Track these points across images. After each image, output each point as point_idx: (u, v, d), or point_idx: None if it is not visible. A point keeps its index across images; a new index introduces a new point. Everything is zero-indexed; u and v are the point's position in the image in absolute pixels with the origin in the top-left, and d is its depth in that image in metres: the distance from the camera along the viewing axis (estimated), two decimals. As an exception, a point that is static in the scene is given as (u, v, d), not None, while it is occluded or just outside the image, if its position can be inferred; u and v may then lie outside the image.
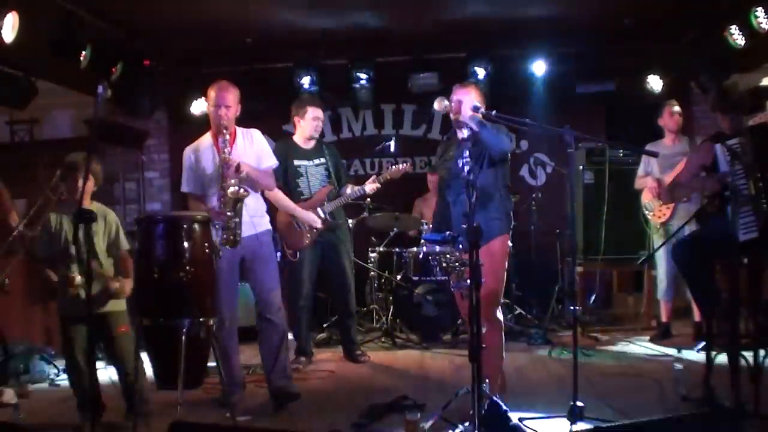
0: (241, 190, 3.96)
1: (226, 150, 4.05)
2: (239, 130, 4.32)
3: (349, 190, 5.38)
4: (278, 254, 4.37)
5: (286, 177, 5.23)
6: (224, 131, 4.07)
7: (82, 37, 5.39)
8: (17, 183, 7.22)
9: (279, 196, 5.13)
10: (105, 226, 3.97)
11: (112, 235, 4.00)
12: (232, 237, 3.98)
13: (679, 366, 3.99)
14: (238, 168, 4.01)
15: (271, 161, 4.40)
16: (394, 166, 5.60)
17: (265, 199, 4.56)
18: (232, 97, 4.18)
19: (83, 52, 5.41)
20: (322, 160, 5.37)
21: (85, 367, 3.83)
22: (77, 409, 3.90)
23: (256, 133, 4.39)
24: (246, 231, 4.16)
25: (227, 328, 4.25)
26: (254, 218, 4.27)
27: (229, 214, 3.94)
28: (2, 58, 5.19)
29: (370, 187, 5.43)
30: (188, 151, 4.33)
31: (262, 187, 4.39)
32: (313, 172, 5.33)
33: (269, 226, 4.41)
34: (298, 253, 5.26)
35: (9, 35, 4.69)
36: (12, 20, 4.69)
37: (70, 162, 3.90)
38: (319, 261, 5.36)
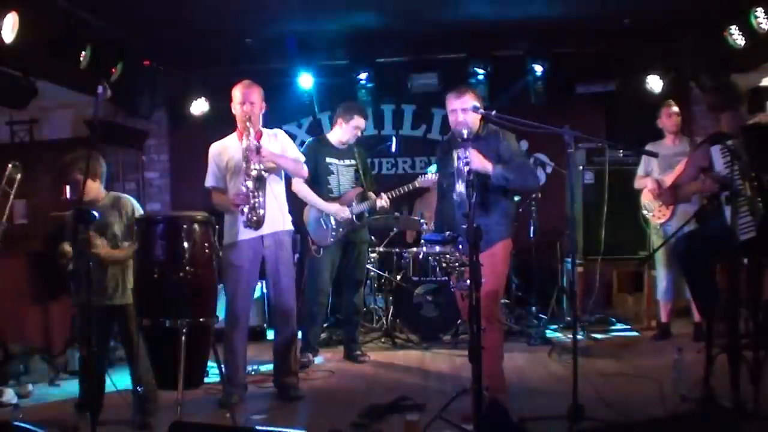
0: (263, 171, 4.13)
1: (249, 138, 4.17)
2: (264, 131, 4.46)
3: (384, 201, 5.40)
4: (296, 256, 4.41)
5: (317, 174, 5.24)
6: (248, 125, 4.20)
7: (82, 37, 5.39)
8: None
9: (306, 190, 5.19)
10: (120, 212, 3.97)
11: (130, 218, 3.97)
12: (255, 218, 4.13)
13: (677, 357, 3.98)
14: (258, 150, 4.14)
15: (297, 155, 4.54)
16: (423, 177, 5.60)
17: (292, 197, 4.62)
18: (257, 94, 4.35)
19: (83, 52, 5.41)
20: (353, 161, 5.41)
21: (93, 363, 3.80)
22: (75, 407, 3.88)
23: (280, 132, 4.56)
24: (268, 228, 4.26)
25: (239, 327, 4.31)
26: (276, 215, 4.34)
27: (252, 192, 4.10)
28: (2, 58, 5.19)
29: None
30: (214, 147, 4.45)
31: (292, 172, 4.52)
32: (343, 171, 5.37)
33: (291, 227, 4.48)
34: (321, 249, 5.28)
35: (9, 35, 4.69)
36: (12, 20, 4.69)
37: (63, 164, 3.92)
38: (339, 260, 5.40)
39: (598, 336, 6.00)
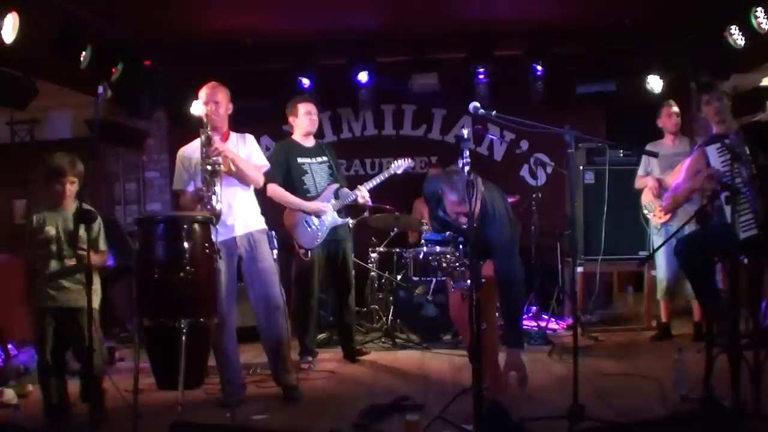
0: (217, 165, 4.06)
1: (205, 132, 4.13)
2: (233, 134, 4.41)
3: (364, 193, 5.35)
4: (274, 252, 4.37)
5: (290, 175, 5.20)
6: (205, 122, 4.15)
7: (82, 37, 5.40)
8: (17, 183, 7.24)
9: (281, 192, 5.14)
10: (88, 227, 3.87)
11: (92, 238, 3.90)
12: (211, 211, 4.01)
13: (677, 357, 3.98)
14: (210, 141, 4.09)
15: (261, 161, 4.46)
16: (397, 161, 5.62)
17: (268, 199, 4.58)
18: (222, 95, 4.31)
19: (83, 52, 5.42)
20: (325, 158, 5.38)
21: (53, 366, 3.78)
22: (43, 414, 3.81)
23: (248, 137, 4.49)
24: (240, 230, 4.23)
25: (226, 329, 4.26)
26: (247, 217, 4.31)
27: (207, 186, 4.03)
28: (2, 58, 5.19)
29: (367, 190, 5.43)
30: (181, 150, 4.43)
31: (247, 178, 4.35)
32: (317, 169, 5.32)
33: (264, 225, 4.42)
34: (309, 252, 5.25)
35: (9, 35, 4.69)
36: (12, 20, 4.69)
37: (56, 166, 3.88)
38: (324, 260, 5.38)
39: (599, 336, 6.00)
